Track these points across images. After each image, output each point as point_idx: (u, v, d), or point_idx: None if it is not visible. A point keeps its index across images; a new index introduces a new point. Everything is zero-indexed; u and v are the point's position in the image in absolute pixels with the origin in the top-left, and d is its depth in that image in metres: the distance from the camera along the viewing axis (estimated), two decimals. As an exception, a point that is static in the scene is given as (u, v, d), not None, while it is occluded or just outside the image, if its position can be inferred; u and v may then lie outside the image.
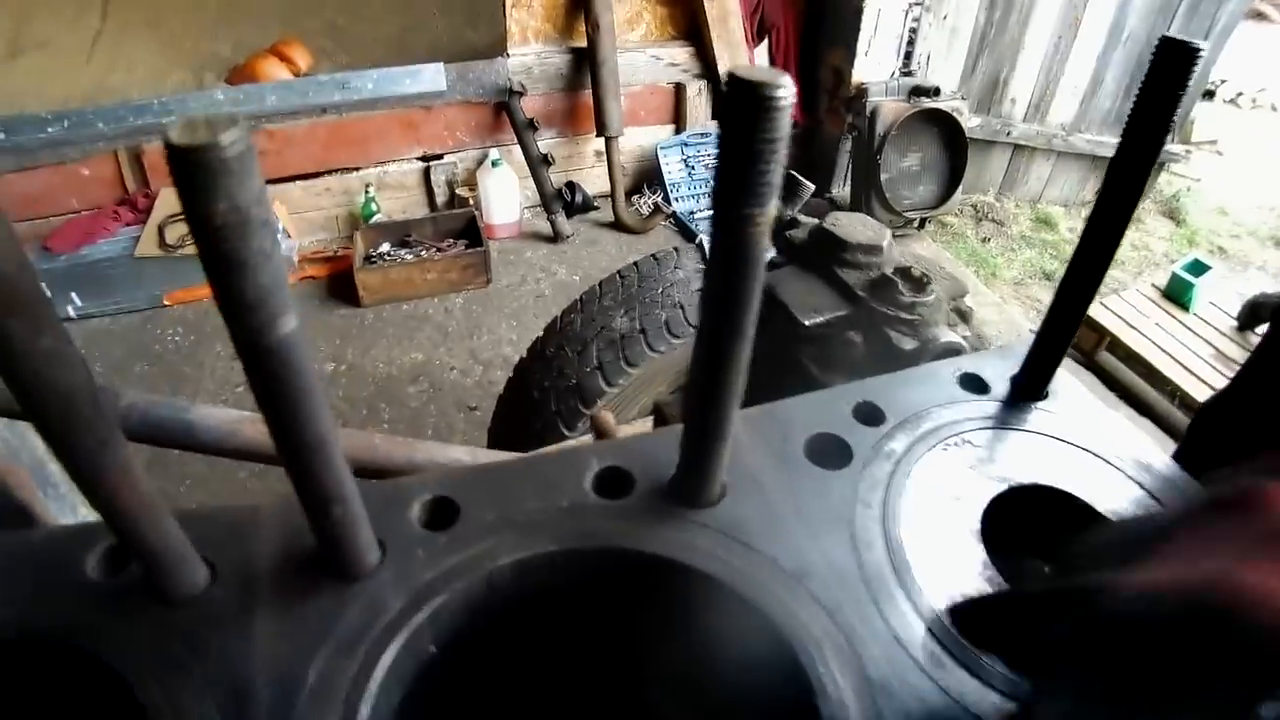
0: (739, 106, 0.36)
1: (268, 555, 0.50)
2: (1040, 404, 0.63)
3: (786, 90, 0.35)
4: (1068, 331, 0.62)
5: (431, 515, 0.52)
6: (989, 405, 0.62)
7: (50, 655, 0.47)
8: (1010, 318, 4.35)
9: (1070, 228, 5.46)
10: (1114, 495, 0.57)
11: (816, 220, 1.08)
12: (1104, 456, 0.59)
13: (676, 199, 5.03)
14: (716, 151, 0.40)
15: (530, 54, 4.76)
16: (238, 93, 4.52)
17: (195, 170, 0.29)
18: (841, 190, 5.24)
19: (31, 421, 0.38)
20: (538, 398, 2.19)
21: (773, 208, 0.40)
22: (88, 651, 0.45)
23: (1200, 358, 3.62)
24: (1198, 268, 4.04)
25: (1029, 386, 0.63)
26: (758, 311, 0.44)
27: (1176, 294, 4.04)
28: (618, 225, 4.90)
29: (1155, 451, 0.61)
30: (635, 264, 2.34)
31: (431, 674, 0.47)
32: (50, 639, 0.46)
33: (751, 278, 0.41)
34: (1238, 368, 0.73)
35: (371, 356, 3.87)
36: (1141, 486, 0.57)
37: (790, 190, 1.15)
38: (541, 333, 2.35)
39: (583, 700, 0.60)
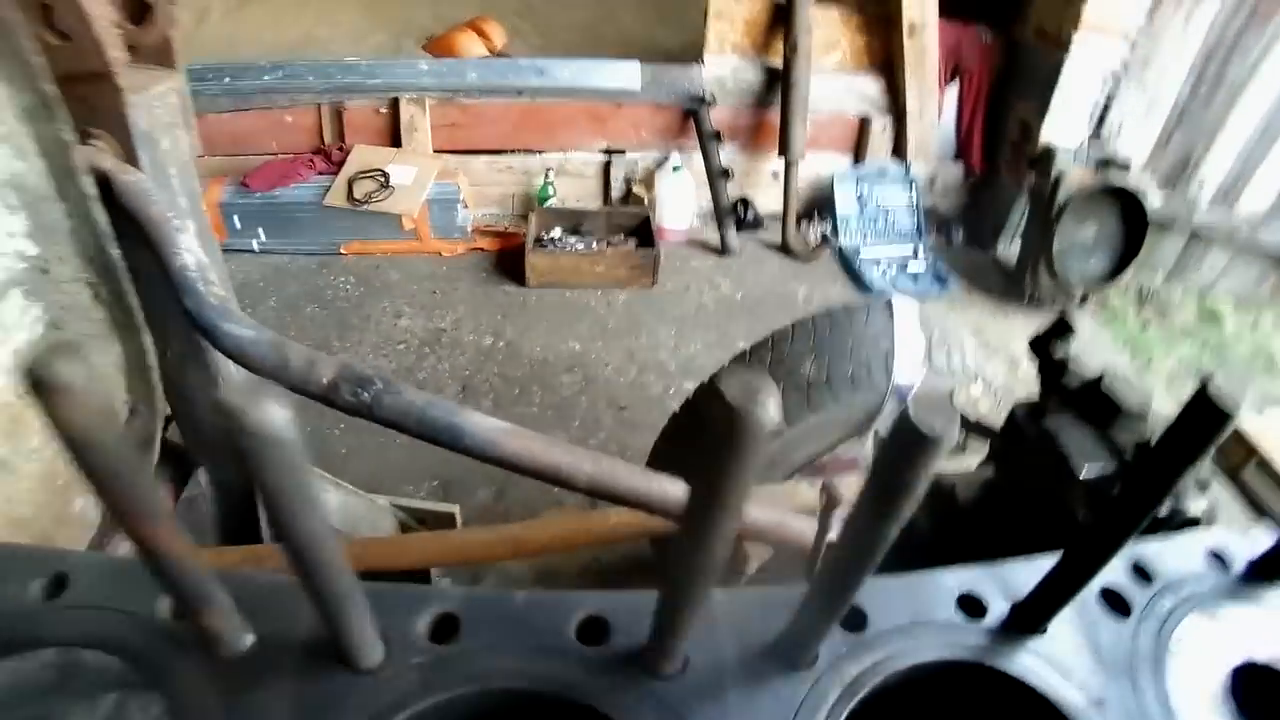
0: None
1: (729, 644, 0.59)
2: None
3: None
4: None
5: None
6: (1231, 581, 0.71)
7: (558, 709, 0.55)
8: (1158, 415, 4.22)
9: (1238, 328, 5.22)
10: None
11: (1091, 376, 1.12)
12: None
13: (844, 233, 5.03)
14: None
15: (725, 66, 4.83)
16: (441, 65, 4.71)
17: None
18: (1008, 248, 5.15)
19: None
20: (718, 426, 2.25)
21: None
22: (598, 711, 0.54)
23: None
24: (1364, 393, 3.86)
25: (1271, 567, 0.71)
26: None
27: (1337, 418, 3.86)
28: (783, 249, 4.92)
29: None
30: (829, 312, 2.37)
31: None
32: (562, 696, 0.55)
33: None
34: None
35: (530, 338, 3.99)
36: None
37: (1062, 330, 1.19)
38: (727, 361, 2.41)
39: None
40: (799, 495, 1.75)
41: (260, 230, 4.47)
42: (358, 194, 4.39)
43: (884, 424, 2.16)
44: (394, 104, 4.60)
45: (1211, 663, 0.63)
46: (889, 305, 2.30)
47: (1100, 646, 0.62)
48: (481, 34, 5.43)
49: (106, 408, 0.37)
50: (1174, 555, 0.72)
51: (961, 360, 2.19)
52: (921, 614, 0.63)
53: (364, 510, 2.08)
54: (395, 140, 4.67)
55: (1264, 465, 3.60)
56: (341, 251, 4.53)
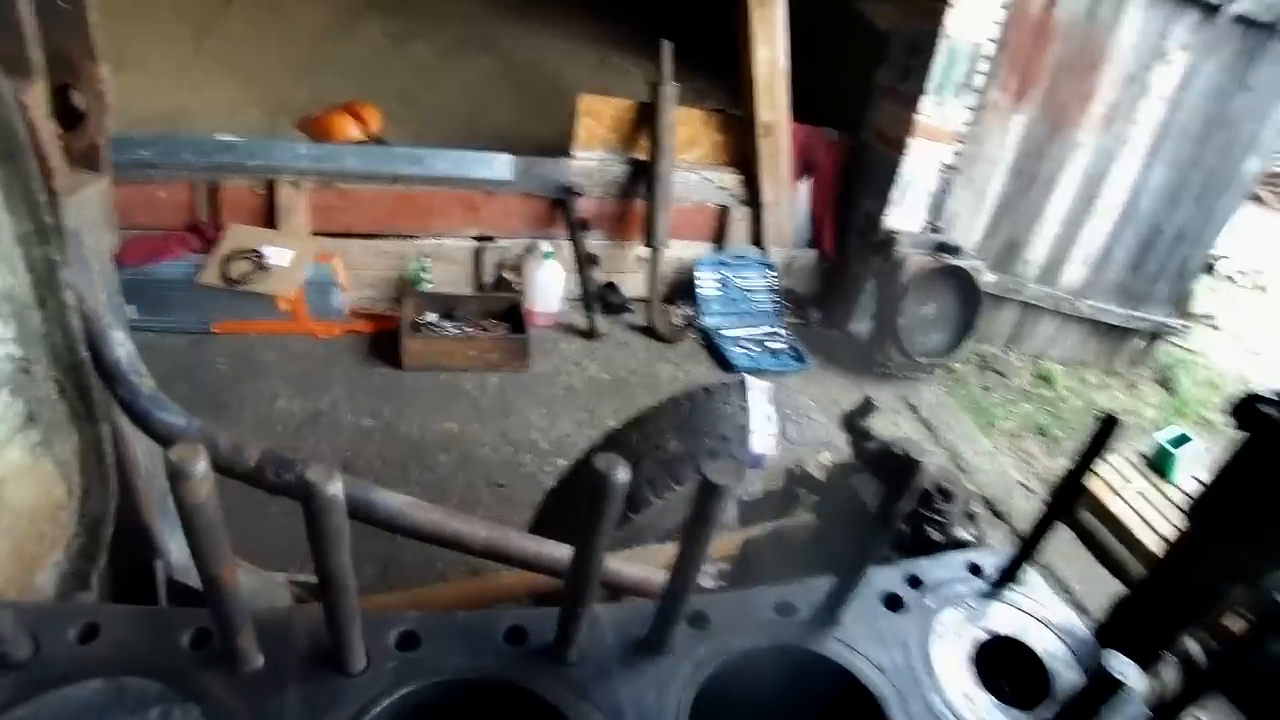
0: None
1: (613, 640, 0.81)
2: (1016, 586, 0.98)
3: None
4: (1036, 541, 0.96)
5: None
6: (983, 584, 0.98)
7: (494, 692, 0.76)
8: (1001, 468, 4.63)
9: (1068, 386, 5.75)
10: (1050, 648, 0.91)
11: (883, 442, 1.40)
12: (1048, 624, 0.95)
13: (707, 315, 5.32)
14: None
15: (593, 159, 5.12)
16: (319, 149, 4.82)
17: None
18: (859, 326, 5.56)
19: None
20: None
21: None
22: (524, 690, 0.75)
23: (1176, 527, 3.82)
24: (1180, 440, 4.33)
25: (1009, 575, 0.98)
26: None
27: (1159, 462, 4.31)
28: (649, 331, 5.18)
29: (1080, 626, 0.96)
30: (689, 394, 2.59)
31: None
32: (496, 680, 0.77)
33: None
34: None
35: (407, 419, 4.09)
36: (1066, 645, 0.93)
37: (865, 409, 1.49)
38: (600, 438, 2.60)
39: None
40: (668, 554, 1.96)
41: (130, 307, 4.44)
42: (233, 273, 4.41)
43: (746, 489, 2.38)
44: (270, 185, 4.66)
45: (961, 637, 0.89)
46: (743, 384, 2.54)
47: (880, 632, 0.87)
48: (358, 117, 5.52)
49: (213, 486, 0.56)
50: (939, 568, 0.98)
51: (812, 432, 2.43)
52: (748, 616, 0.86)
53: (260, 584, 2.17)
54: (271, 220, 4.72)
55: (1096, 505, 4.02)
56: (214, 330, 4.53)
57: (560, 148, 5.12)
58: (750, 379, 2.55)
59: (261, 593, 2.17)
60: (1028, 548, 0.96)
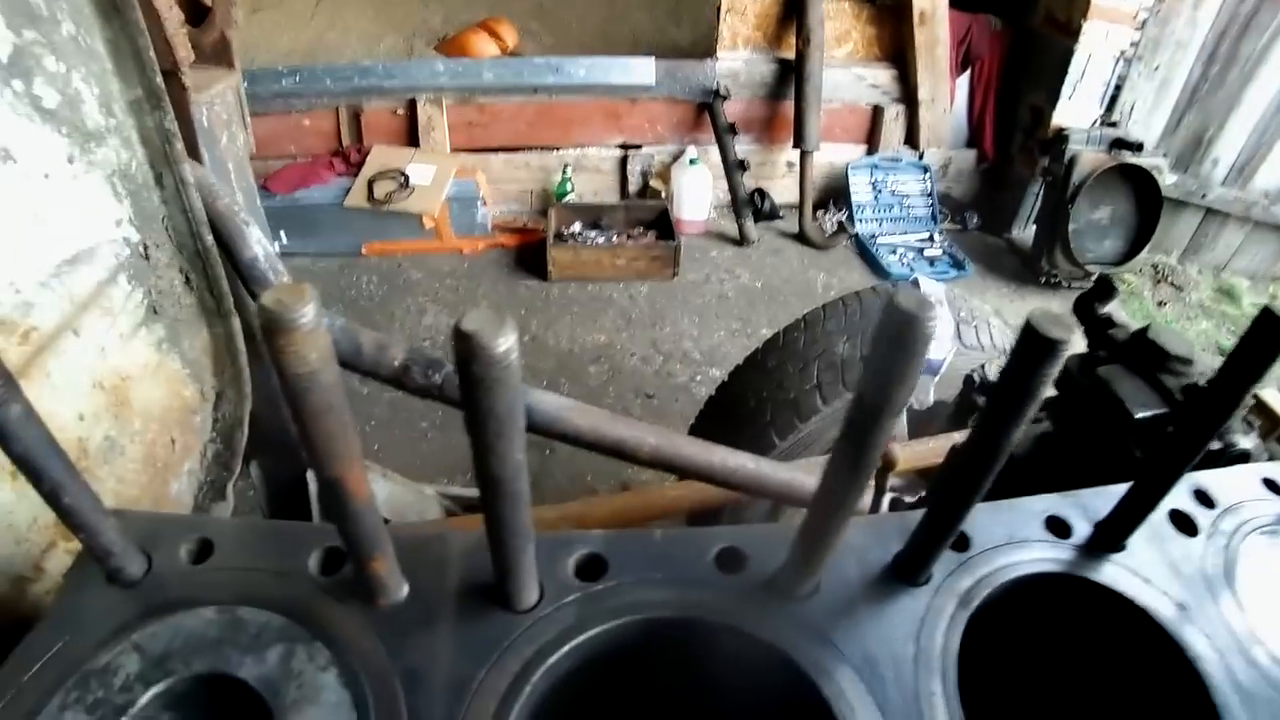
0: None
1: (852, 567, 0.64)
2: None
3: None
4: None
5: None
6: None
7: (704, 634, 0.59)
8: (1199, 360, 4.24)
9: (1254, 303, 5.21)
10: None
11: (1137, 326, 1.17)
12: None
13: (860, 221, 5.07)
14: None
15: (738, 60, 4.88)
16: (457, 65, 4.75)
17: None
18: (1022, 232, 5.18)
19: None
20: (754, 406, 2.28)
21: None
22: (744, 633, 0.58)
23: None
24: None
25: None
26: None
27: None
28: (801, 238, 4.97)
29: None
30: (858, 294, 2.40)
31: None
32: (708, 622, 0.60)
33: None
34: None
35: (555, 331, 4.03)
36: None
37: (1106, 290, 1.25)
38: (761, 344, 2.44)
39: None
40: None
41: (282, 233, 4.51)
42: (378, 194, 4.44)
43: (918, 398, 2.19)
44: (411, 104, 4.65)
45: (1275, 574, 0.68)
46: (915, 285, 2.32)
47: (1175, 560, 0.67)
48: (494, 34, 5.47)
49: (330, 348, 0.40)
50: (1231, 483, 0.77)
51: (990, 336, 2.22)
52: (1015, 535, 0.68)
53: (412, 499, 2.11)
54: (413, 140, 4.72)
55: (1286, 437, 3.62)
56: (363, 252, 4.58)
57: (702, 50, 4.90)
58: (923, 279, 2.35)
59: (410, 507, 2.10)
60: None
